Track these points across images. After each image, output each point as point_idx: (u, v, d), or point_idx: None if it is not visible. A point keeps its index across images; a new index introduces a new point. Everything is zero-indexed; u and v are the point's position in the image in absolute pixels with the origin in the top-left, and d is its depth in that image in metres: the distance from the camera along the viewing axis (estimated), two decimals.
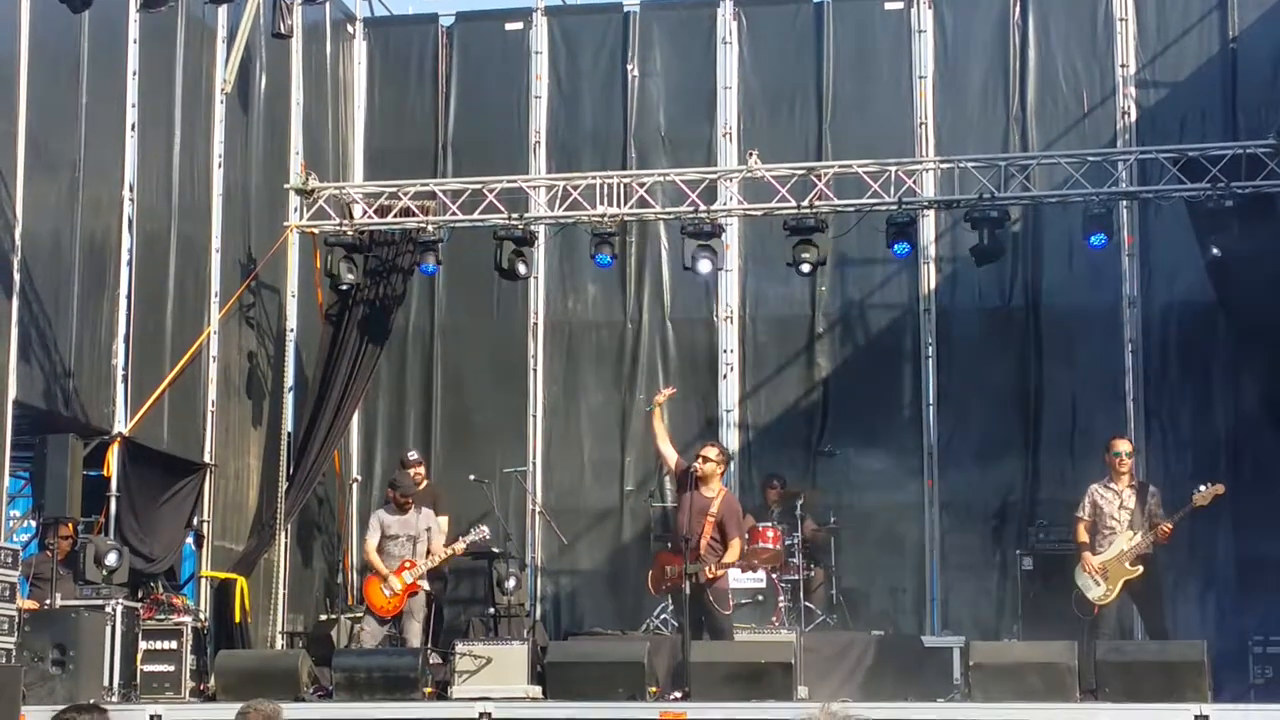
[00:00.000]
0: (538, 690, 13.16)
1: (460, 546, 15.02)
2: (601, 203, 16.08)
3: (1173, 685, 11.72)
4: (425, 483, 15.99)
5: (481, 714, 12.03)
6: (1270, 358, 15.24)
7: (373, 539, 14.83)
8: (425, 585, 14.74)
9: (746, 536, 14.16)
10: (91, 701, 6.41)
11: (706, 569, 13.00)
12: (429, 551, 14.76)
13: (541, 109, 18.44)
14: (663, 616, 15.16)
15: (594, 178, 16.32)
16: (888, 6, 17.97)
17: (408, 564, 14.62)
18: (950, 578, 16.97)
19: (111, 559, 13.65)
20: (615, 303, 18.14)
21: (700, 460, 13.32)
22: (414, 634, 14.56)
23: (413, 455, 16.14)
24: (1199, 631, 15.22)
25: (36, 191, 14.03)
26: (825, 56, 17.95)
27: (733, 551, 13.17)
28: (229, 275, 16.60)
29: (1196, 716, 11.19)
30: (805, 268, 15.66)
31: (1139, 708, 11.55)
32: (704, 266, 15.97)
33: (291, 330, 17.19)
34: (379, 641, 14.59)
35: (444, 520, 15.34)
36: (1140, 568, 13.35)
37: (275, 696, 11.17)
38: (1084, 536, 13.50)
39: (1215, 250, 15.12)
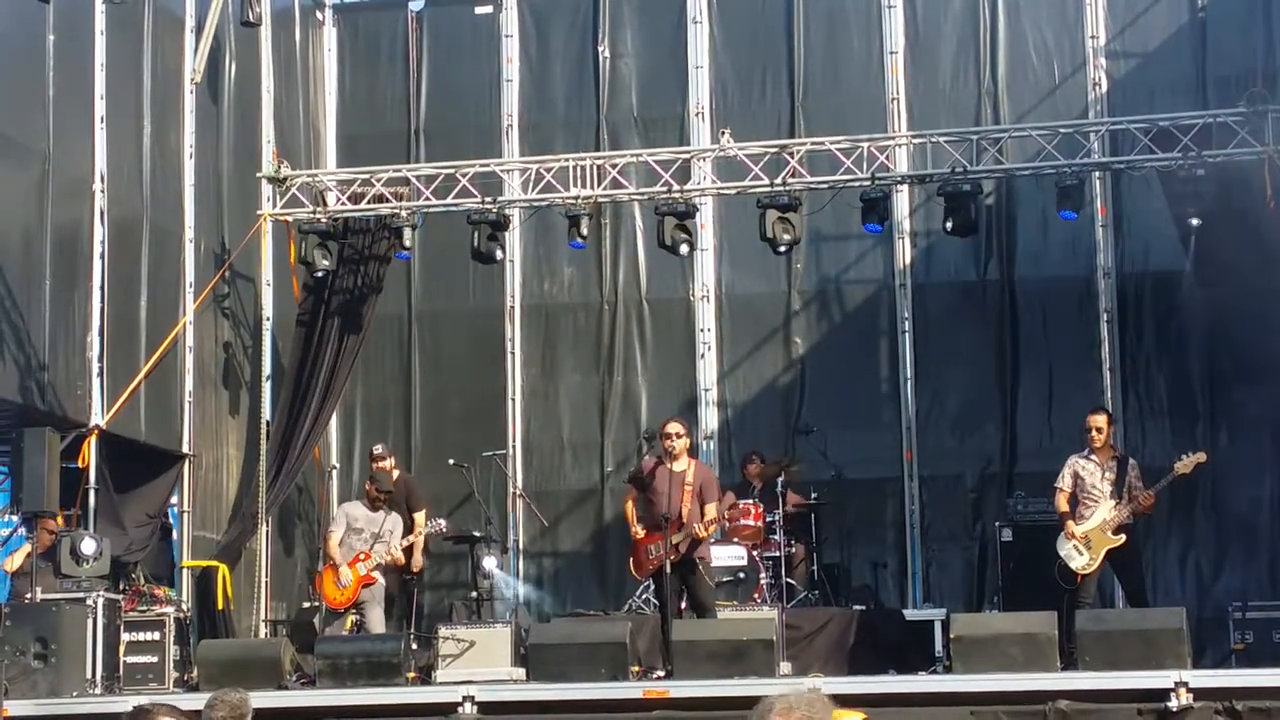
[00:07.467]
0: (521, 672, 13.15)
1: (417, 539, 14.81)
2: (575, 185, 16.06)
3: (1152, 652, 11.71)
4: (397, 474, 15.42)
5: (465, 697, 11.97)
6: (1244, 325, 15.27)
7: (337, 531, 14.62)
8: (380, 577, 14.46)
9: (725, 509, 14.21)
10: (167, 703, 6.41)
11: (696, 527, 12.88)
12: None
13: (513, 92, 18.41)
14: (645, 596, 15.15)
15: (567, 160, 16.29)
16: None
17: (362, 555, 14.39)
18: (931, 551, 17.04)
19: (90, 551, 13.60)
20: (591, 284, 18.11)
21: (668, 440, 13.19)
22: (375, 621, 14.36)
23: (378, 449, 15.48)
24: (1179, 598, 15.31)
25: (5, 185, 14.00)
26: (796, 33, 17.93)
27: (712, 510, 13.14)
28: (203, 265, 16.54)
29: (1176, 683, 11.17)
30: (781, 246, 15.66)
31: (1119, 675, 11.53)
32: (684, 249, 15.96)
33: (267, 319, 17.20)
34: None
35: (421, 515, 15.10)
36: (1122, 537, 13.36)
37: (258, 685, 11.22)
38: (1064, 506, 13.49)
39: (1188, 219, 15.16)
